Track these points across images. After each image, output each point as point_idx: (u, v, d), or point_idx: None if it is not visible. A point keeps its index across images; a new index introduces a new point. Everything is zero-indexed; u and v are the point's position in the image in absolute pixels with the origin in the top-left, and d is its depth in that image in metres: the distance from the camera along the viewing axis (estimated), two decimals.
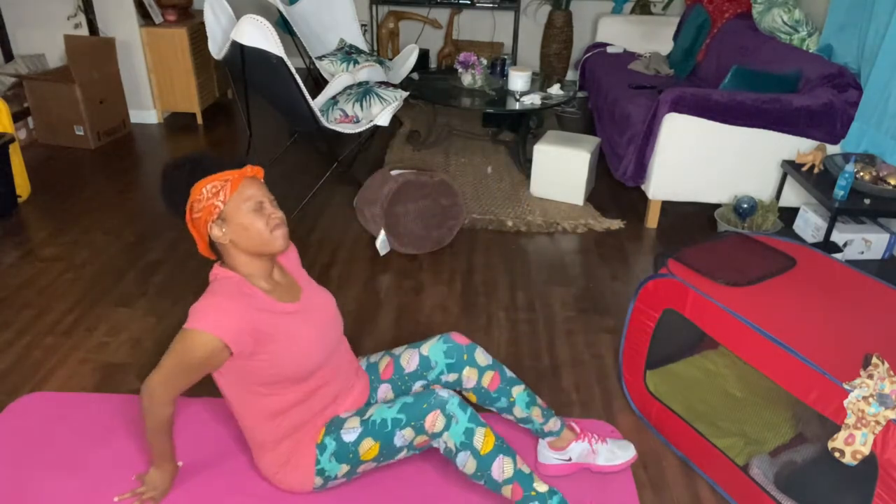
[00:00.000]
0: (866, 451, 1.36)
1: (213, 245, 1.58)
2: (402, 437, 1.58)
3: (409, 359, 1.79)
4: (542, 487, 1.58)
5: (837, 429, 1.41)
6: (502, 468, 1.56)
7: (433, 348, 1.78)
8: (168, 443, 1.63)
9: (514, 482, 1.57)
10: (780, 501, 1.61)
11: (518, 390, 1.79)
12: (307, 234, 3.14)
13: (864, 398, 1.36)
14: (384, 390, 1.81)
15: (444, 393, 1.59)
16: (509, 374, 1.81)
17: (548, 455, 1.83)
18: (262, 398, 1.59)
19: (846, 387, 1.39)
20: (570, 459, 1.82)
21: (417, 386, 1.79)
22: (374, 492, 1.74)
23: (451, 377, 1.78)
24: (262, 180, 1.60)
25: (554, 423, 1.84)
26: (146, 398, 1.53)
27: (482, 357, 1.79)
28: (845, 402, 1.39)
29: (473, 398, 1.81)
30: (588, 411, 2.09)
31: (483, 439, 1.57)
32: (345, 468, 1.63)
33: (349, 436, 1.61)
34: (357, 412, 1.66)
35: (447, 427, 1.56)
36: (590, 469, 1.84)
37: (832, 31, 3.34)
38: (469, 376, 1.76)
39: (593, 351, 2.37)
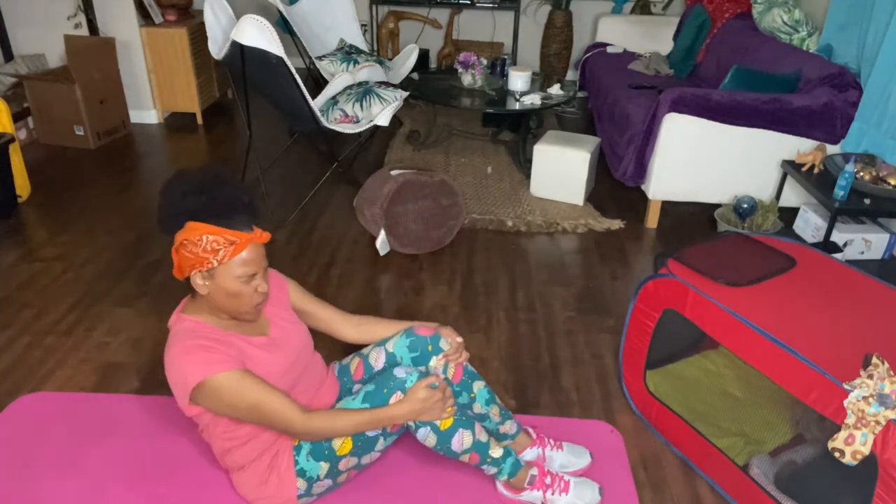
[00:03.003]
0: (866, 451, 1.36)
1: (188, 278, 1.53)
2: None
3: (377, 357, 1.79)
4: (497, 453, 1.66)
5: (837, 429, 1.41)
6: (462, 440, 1.61)
7: (397, 344, 1.77)
8: (360, 415, 1.56)
9: (472, 451, 1.63)
10: (780, 501, 1.61)
11: (479, 386, 1.79)
12: (307, 234, 3.13)
13: (864, 398, 1.36)
14: (358, 391, 1.80)
15: (401, 374, 1.60)
16: (470, 367, 1.81)
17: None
18: (242, 423, 1.58)
19: (846, 387, 1.39)
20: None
21: None
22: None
23: (420, 370, 1.77)
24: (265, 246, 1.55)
25: (510, 426, 1.84)
26: (305, 435, 1.54)
27: (447, 346, 1.78)
28: (845, 402, 1.39)
29: None
30: (588, 411, 2.09)
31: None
32: (324, 466, 1.60)
33: None
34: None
35: None
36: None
37: (832, 31, 3.34)
38: (436, 366, 1.75)
39: (593, 351, 2.37)
